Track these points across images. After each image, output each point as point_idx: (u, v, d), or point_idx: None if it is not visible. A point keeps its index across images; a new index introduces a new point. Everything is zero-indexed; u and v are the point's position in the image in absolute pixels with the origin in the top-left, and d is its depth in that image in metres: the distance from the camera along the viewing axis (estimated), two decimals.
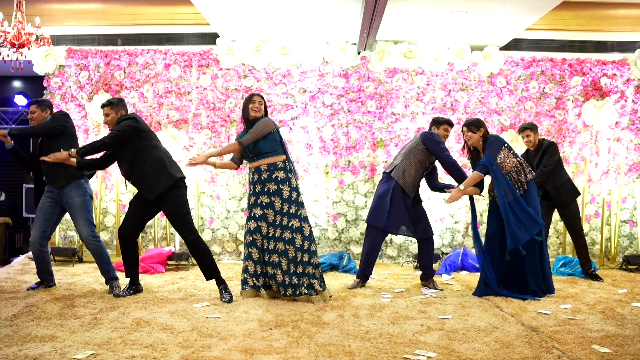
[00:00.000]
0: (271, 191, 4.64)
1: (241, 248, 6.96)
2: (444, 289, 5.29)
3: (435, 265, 6.43)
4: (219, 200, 7.00)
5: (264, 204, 4.66)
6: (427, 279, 5.43)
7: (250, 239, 4.70)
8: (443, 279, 5.94)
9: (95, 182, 6.82)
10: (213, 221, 6.99)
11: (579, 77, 7.04)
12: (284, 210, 4.64)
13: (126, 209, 5.07)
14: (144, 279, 5.50)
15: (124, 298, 4.71)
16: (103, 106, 4.87)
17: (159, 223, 6.82)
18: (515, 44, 7.17)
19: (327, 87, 7.00)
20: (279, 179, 4.64)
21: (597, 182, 7.00)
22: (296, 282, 4.60)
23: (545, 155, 5.86)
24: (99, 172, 6.83)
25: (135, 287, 4.90)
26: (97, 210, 6.75)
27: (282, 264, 4.61)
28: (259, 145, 4.67)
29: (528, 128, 5.94)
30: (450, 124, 5.38)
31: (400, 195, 5.25)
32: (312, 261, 4.68)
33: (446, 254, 6.78)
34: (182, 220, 4.75)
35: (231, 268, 6.35)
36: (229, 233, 6.98)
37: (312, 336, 3.71)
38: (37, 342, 3.50)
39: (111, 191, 6.98)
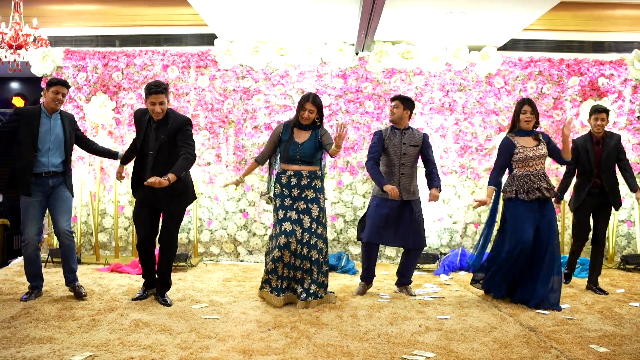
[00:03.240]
0: (309, 198, 4.64)
1: (240, 249, 6.95)
2: (415, 295, 5.07)
3: (433, 266, 6.45)
4: (218, 201, 7.00)
5: (300, 209, 4.63)
6: (400, 285, 5.23)
7: (285, 241, 4.53)
8: (441, 279, 5.94)
9: (94, 184, 6.82)
10: (211, 222, 6.98)
11: (577, 77, 7.05)
12: (320, 219, 4.66)
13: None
14: (142, 281, 5.49)
15: (121, 301, 4.70)
16: (159, 91, 4.35)
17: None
18: (513, 45, 7.17)
19: (325, 88, 7.00)
20: (317, 187, 4.69)
21: None
22: (315, 289, 4.60)
23: (620, 151, 5.44)
24: (97, 174, 6.83)
25: (150, 287, 4.82)
26: (96, 211, 6.74)
27: (314, 271, 4.61)
28: (314, 152, 4.68)
29: (605, 111, 5.33)
30: (391, 99, 5.17)
31: (375, 202, 5.08)
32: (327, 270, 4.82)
33: (444, 254, 6.78)
34: (180, 221, 4.72)
35: (229, 269, 6.35)
36: (227, 234, 6.97)
37: (310, 337, 3.72)
38: (35, 344, 3.50)
39: (109, 192, 6.97)
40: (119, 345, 3.50)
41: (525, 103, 4.81)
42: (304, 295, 4.56)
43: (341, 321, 4.13)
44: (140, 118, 4.60)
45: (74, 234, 4.83)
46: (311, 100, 4.66)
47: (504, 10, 5.81)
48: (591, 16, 7.25)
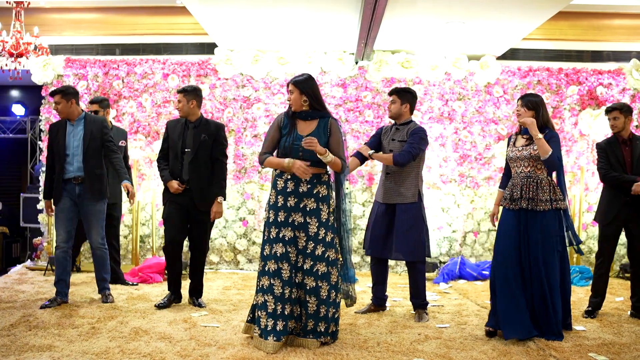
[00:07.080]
0: (308, 209, 3.72)
1: (239, 257, 6.95)
2: (428, 320, 4.46)
3: (432, 274, 6.44)
4: None
5: (296, 224, 3.72)
6: (414, 308, 4.60)
7: (275, 267, 3.66)
8: (441, 287, 5.94)
9: None
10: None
11: (575, 86, 7.08)
12: (320, 237, 3.72)
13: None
14: (142, 289, 5.50)
15: (120, 309, 4.70)
16: (179, 91, 4.86)
17: (158, 233, 6.81)
18: (512, 54, 7.21)
19: (325, 97, 7.01)
20: (320, 196, 3.75)
21: (594, 190, 7.02)
22: (322, 329, 3.72)
23: None
24: None
25: (175, 296, 4.85)
26: None
27: (310, 304, 3.69)
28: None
29: (615, 109, 4.62)
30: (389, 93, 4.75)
31: (375, 207, 4.64)
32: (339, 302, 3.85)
33: (444, 262, 6.78)
34: (209, 230, 4.90)
35: (229, 277, 6.35)
36: (227, 242, 6.97)
37: (310, 345, 3.71)
38: (34, 352, 3.50)
39: None
40: (119, 353, 3.50)
41: (519, 98, 4.16)
42: (309, 334, 3.71)
43: (340, 329, 4.12)
44: (175, 125, 4.87)
45: (105, 245, 5.00)
46: (290, 81, 3.83)
47: (502, 19, 5.85)
48: (589, 26, 7.30)
